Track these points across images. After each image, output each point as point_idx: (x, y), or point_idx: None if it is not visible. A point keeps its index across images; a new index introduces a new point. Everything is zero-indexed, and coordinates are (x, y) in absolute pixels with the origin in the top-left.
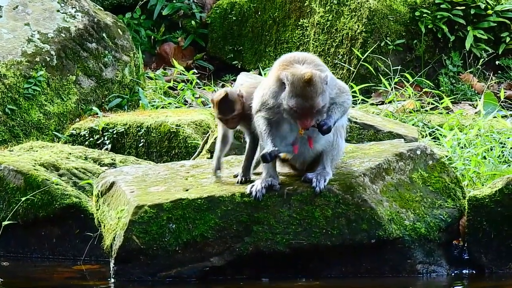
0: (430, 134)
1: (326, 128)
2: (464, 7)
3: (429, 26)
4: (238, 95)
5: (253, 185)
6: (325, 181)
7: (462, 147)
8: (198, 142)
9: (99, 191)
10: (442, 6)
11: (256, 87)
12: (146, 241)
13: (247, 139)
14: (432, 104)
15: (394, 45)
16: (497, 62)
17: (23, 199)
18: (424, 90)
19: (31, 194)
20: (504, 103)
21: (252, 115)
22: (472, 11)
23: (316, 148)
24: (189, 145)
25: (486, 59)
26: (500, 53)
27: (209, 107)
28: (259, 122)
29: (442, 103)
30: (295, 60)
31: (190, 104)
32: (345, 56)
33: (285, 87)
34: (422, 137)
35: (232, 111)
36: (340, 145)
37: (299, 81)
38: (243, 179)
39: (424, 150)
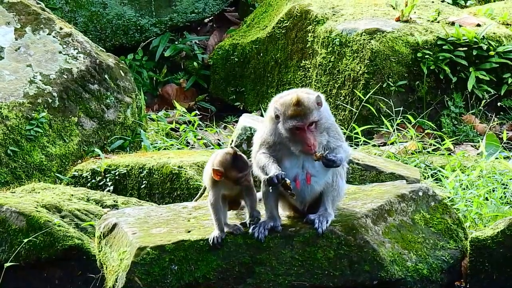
0: (432, 176)
1: (332, 161)
2: (466, 48)
3: (431, 67)
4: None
5: (255, 227)
6: (327, 222)
7: (464, 189)
8: (201, 184)
9: (101, 232)
10: (444, 47)
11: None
12: (148, 283)
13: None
14: (434, 145)
15: (396, 86)
16: (499, 104)
17: (25, 240)
18: (426, 131)
19: (33, 236)
20: (506, 144)
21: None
22: (474, 52)
23: (315, 188)
24: (191, 186)
25: (488, 100)
26: (502, 94)
27: (211, 148)
28: (260, 158)
29: (444, 144)
30: (285, 94)
31: (192, 145)
32: (347, 97)
33: (279, 120)
34: (424, 179)
35: (247, 164)
36: (340, 186)
37: (288, 106)
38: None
39: (426, 192)
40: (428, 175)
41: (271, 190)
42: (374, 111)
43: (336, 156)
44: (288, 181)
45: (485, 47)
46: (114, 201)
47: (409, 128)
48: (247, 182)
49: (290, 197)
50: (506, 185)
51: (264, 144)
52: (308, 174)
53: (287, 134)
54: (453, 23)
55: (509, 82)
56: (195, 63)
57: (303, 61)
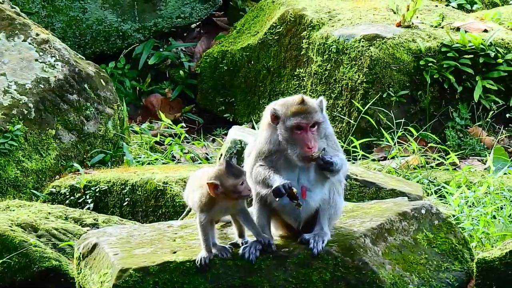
0: (435, 192)
1: (329, 163)
2: (472, 56)
3: (434, 76)
4: None
5: (246, 247)
6: (323, 242)
7: (470, 206)
8: None
9: (80, 253)
10: (448, 54)
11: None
12: None
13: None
14: (438, 160)
15: (397, 96)
16: (507, 115)
17: None
18: (429, 144)
19: (7, 257)
20: None
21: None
22: (481, 60)
23: (310, 204)
24: (177, 204)
25: (496, 111)
26: (511, 105)
27: (199, 162)
28: (258, 171)
29: (448, 158)
30: (284, 99)
31: (178, 160)
32: (345, 108)
33: (278, 122)
34: (427, 195)
35: (242, 171)
36: (337, 203)
37: (291, 104)
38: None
39: (430, 209)
40: (431, 192)
41: (275, 203)
42: (374, 123)
43: (332, 159)
44: (295, 190)
45: (492, 54)
46: (94, 219)
47: (411, 142)
48: (247, 192)
49: (296, 207)
50: None
51: (260, 156)
52: (303, 188)
53: (286, 135)
54: (458, 29)
55: None
56: (181, 72)
57: (297, 70)
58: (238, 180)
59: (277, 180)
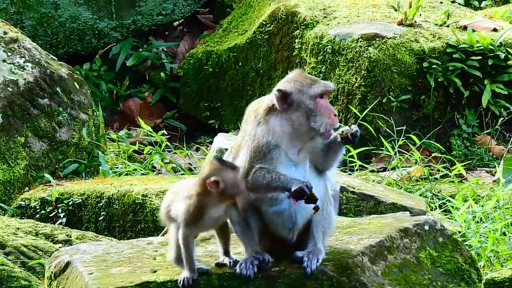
0: (440, 206)
1: (356, 130)
2: (480, 57)
3: (439, 80)
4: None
5: (242, 263)
6: (317, 261)
7: (477, 222)
8: None
9: (52, 272)
10: (454, 56)
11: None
12: None
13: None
14: (442, 171)
15: (398, 101)
16: None
17: None
18: (433, 154)
19: None
20: None
21: None
22: (490, 62)
23: (308, 206)
24: (158, 218)
25: (506, 118)
26: None
27: (181, 173)
28: (260, 174)
29: (454, 170)
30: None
31: (158, 170)
32: (341, 114)
33: (290, 99)
34: (431, 210)
35: (235, 164)
36: (331, 215)
37: (298, 76)
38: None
39: (433, 225)
40: (435, 206)
41: (270, 211)
42: (373, 131)
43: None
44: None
45: (502, 55)
46: (67, 235)
47: (413, 151)
48: (243, 187)
49: (314, 212)
50: None
51: (258, 155)
52: None
53: (312, 105)
54: (465, 28)
55: None
56: (162, 74)
57: (289, 72)
58: (237, 172)
59: (293, 181)
